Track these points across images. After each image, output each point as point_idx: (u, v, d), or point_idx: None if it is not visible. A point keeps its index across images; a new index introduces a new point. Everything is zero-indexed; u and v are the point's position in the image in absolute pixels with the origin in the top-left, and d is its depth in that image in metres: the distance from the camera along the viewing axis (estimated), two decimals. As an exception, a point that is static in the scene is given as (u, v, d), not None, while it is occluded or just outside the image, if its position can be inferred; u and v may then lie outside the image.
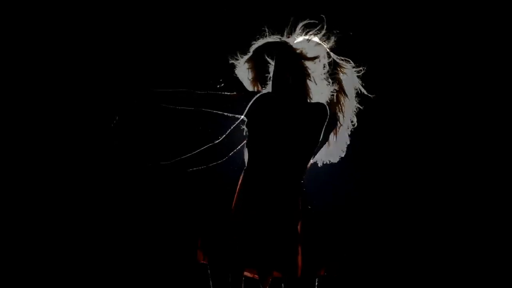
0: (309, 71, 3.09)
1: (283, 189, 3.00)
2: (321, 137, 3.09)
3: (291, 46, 3.10)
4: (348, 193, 5.27)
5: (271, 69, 3.09)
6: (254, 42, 3.17)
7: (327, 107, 3.09)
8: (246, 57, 3.16)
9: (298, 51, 3.10)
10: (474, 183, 5.26)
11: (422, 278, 5.26)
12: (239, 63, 3.18)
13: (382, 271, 5.28)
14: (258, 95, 3.06)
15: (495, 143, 5.26)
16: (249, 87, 3.19)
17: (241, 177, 3.05)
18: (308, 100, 3.10)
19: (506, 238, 5.20)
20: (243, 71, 3.19)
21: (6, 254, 5.14)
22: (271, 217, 2.97)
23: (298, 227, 2.99)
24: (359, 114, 5.15)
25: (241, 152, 3.17)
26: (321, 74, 3.11)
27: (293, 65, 3.08)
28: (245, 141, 3.11)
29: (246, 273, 3.07)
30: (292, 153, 3.03)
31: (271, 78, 3.08)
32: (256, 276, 3.03)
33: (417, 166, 5.32)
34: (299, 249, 2.97)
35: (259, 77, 3.14)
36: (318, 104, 3.09)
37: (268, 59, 3.08)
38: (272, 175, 3.01)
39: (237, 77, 3.21)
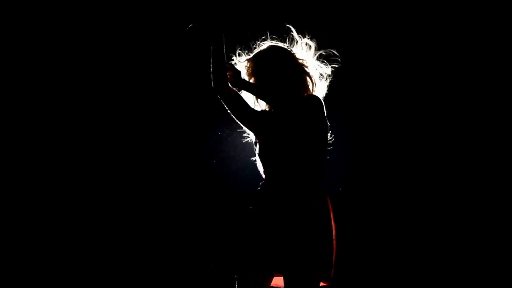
0: (309, 83, 3.09)
1: (303, 191, 2.95)
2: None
3: (295, 56, 3.10)
4: (348, 192, 5.27)
5: (269, 72, 3.09)
6: (258, 43, 3.16)
7: (317, 96, 3.06)
8: (248, 56, 3.15)
9: (300, 61, 3.10)
10: (473, 182, 5.26)
11: (421, 278, 5.26)
12: (240, 59, 3.17)
13: (381, 271, 5.28)
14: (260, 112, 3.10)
15: (494, 142, 5.27)
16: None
17: (260, 188, 3.03)
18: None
19: (505, 237, 5.21)
20: (241, 67, 3.17)
21: (6, 254, 5.14)
22: (296, 221, 2.92)
23: (333, 231, 2.95)
24: (358, 115, 5.19)
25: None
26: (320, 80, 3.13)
27: (295, 76, 3.08)
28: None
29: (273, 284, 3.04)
30: (306, 153, 2.98)
31: (269, 82, 3.08)
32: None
33: (416, 166, 5.32)
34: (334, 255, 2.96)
35: (256, 78, 3.13)
36: (309, 97, 3.05)
37: (269, 64, 3.09)
38: (292, 178, 2.96)
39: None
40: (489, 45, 5.23)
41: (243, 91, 3.14)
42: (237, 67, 3.13)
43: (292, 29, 3.14)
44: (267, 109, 3.15)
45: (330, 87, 3.21)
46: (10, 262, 5.13)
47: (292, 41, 3.14)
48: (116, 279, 5.20)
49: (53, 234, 5.20)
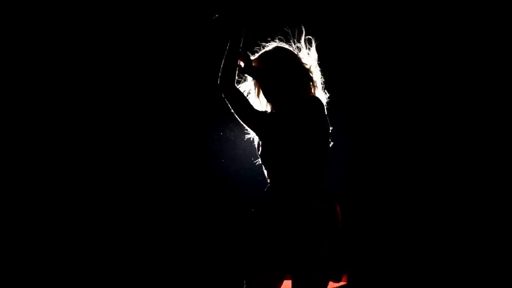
0: (311, 87, 3.09)
1: (303, 192, 2.94)
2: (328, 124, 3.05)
3: (300, 58, 3.10)
4: (346, 192, 5.28)
5: (273, 72, 3.09)
6: (264, 43, 3.16)
7: (317, 97, 3.05)
8: (253, 57, 3.14)
9: (307, 66, 3.10)
10: (474, 182, 5.26)
11: (421, 279, 5.26)
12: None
13: (379, 271, 5.28)
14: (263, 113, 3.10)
15: (494, 142, 5.27)
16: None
17: (266, 193, 3.03)
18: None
19: (506, 237, 5.21)
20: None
21: (6, 254, 5.15)
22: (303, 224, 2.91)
23: (339, 231, 2.95)
24: (358, 115, 5.16)
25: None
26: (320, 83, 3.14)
27: (298, 78, 3.08)
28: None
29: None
30: (306, 153, 2.97)
31: (273, 84, 3.07)
32: None
33: (416, 166, 5.32)
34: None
35: (261, 80, 3.13)
36: (310, 98, 3.04)
37: (273, 65, 3.08)
38: (292, 179, 2.96)
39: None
40: (489, 45, 5.23)
41: (244, 89, 3.15)
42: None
43: (303, 29, 3.13)
44: (268, 109, 3.16)
45: (330, 87, 3.21)
46: (10, 262, 5.13)
47: (298, 43, 3.14)
48: (117, 279, 5.21)
49: (53, 234, 5.20)
